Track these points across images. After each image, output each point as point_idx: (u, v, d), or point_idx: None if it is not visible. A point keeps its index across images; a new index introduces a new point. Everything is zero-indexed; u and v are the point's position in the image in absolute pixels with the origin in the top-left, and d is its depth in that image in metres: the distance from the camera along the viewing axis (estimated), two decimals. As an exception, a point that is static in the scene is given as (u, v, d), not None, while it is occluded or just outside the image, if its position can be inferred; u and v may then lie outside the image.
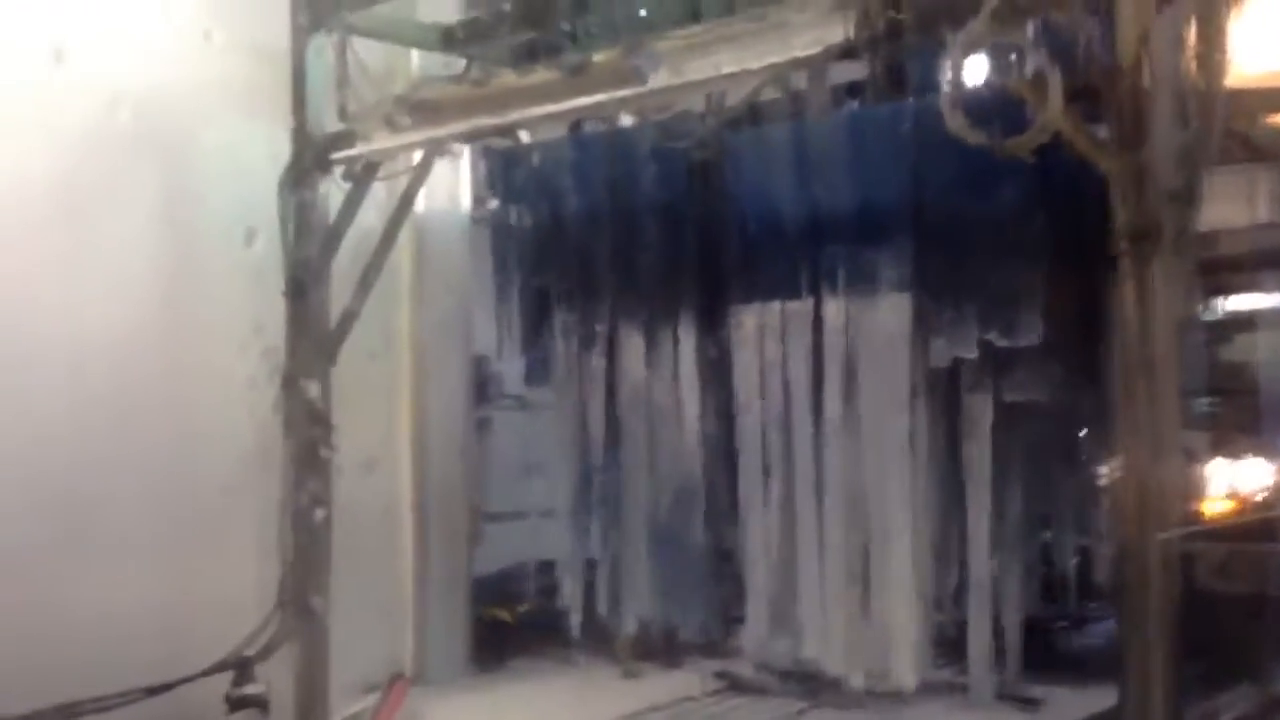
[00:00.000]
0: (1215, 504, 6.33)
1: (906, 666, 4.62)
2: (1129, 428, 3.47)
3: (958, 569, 4.56)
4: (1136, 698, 3.43)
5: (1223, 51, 3.53)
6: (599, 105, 4.51)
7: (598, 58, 4.35)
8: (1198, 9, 3.51)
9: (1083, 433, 4.39)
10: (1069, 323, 4.32)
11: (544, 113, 4.58)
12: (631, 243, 5.54)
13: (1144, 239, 3.49)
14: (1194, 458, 5.78)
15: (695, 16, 4.44)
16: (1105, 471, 4.30)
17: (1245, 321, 6.87)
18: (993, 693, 5.04)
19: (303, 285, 5.80)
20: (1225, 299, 6.67)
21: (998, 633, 4.67)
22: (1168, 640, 3.41)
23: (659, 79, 4.22)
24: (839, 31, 3.85)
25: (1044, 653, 5.95)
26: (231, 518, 5.93)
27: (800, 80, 4.91)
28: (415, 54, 6.51)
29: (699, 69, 4.21)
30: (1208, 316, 6.61)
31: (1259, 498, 6.52)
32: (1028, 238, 4.36)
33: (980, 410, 4.37)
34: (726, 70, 4.12)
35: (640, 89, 4.25)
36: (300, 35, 5.69)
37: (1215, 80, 3.53)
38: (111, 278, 5.63)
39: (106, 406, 5.52)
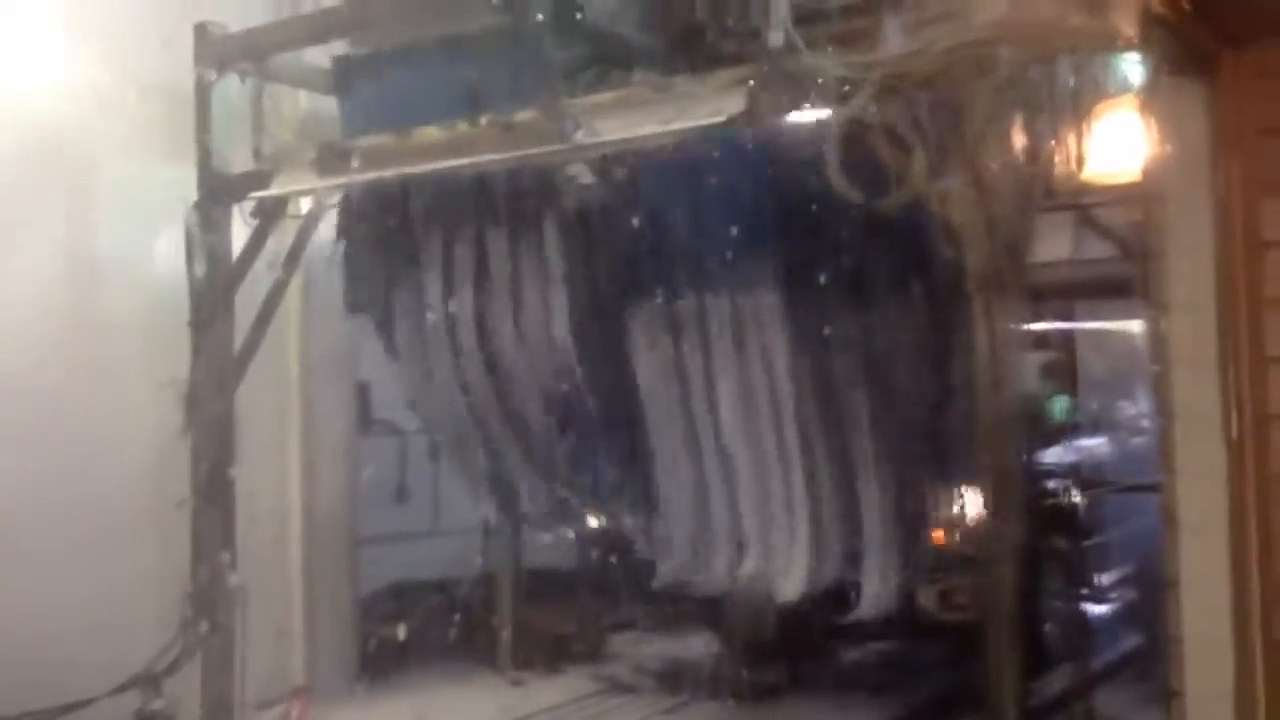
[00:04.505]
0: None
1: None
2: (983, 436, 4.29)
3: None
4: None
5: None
6: (523, 159, 5.01)
7: (522, 116, 4.88)
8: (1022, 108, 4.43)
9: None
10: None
11: (471, 163, 5.06)
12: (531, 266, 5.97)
13: (990, 278, 4.31)
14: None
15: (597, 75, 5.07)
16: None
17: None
18: None
19: (208, 317, 6.09)
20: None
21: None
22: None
23: (579, 137, 4.79)
24: (739, 102, 4.52)
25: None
26: (136, 538, 6.09)
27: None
28: (302, 94, 6.79)
29: (612, 129, 4.79)
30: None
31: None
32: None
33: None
34: (640, 132, 4.72)
35: (562, 146, 4.80)
36: (204, 78, 6.00)
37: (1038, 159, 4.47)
38: (20, 307, 5.78)
39: (11, 432, 5.63)
